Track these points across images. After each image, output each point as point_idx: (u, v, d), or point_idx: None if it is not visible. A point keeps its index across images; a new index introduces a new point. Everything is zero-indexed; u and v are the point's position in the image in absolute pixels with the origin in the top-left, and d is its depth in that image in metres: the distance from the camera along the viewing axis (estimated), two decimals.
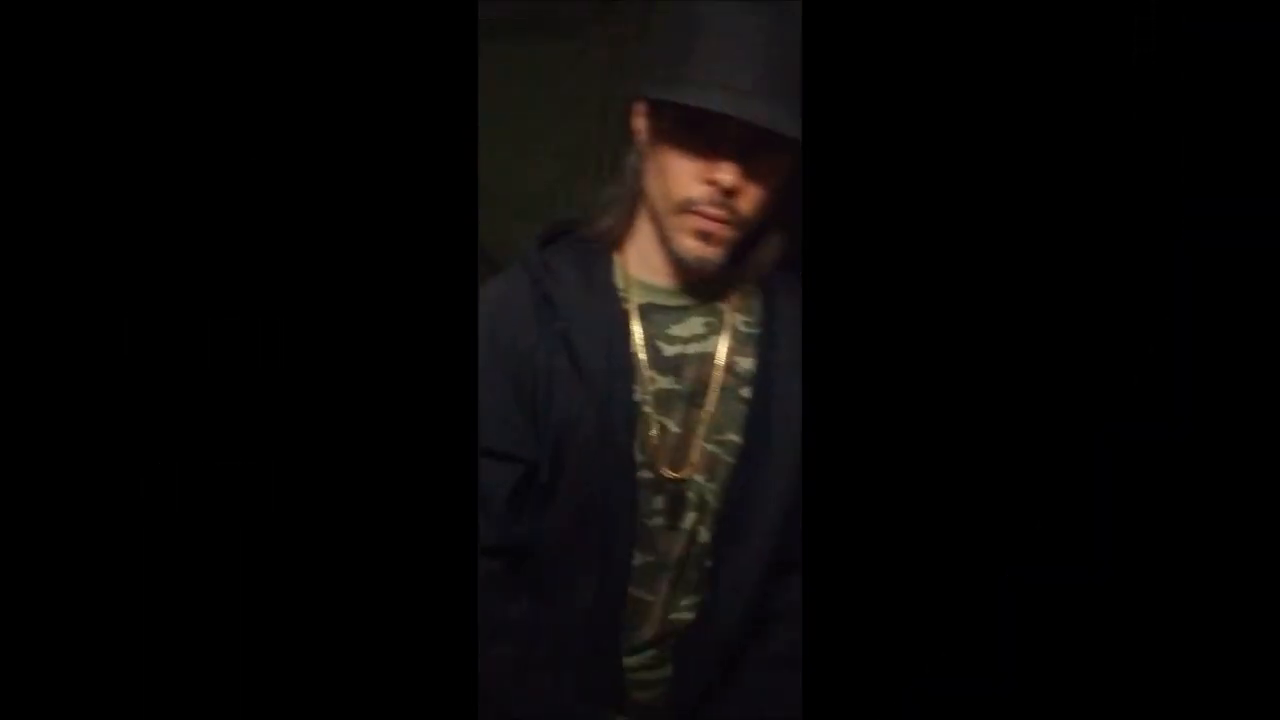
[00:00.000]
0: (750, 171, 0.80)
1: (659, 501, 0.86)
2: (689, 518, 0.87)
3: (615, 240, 0.89)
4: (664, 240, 0.85)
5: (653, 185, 0.84)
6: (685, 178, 0.80)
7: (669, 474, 0.85)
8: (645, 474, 0.85)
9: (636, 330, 0.86)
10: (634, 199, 0.87)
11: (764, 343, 0.88)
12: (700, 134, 0.79)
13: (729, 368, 0.87)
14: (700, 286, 0.88)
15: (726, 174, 0.78)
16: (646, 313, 0.87)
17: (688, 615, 0.88)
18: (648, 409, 0.85)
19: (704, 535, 0.87)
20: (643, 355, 0.86)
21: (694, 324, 0.88)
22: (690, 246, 0.82)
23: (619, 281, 0.88)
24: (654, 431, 0.85)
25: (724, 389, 0.87)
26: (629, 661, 0.88)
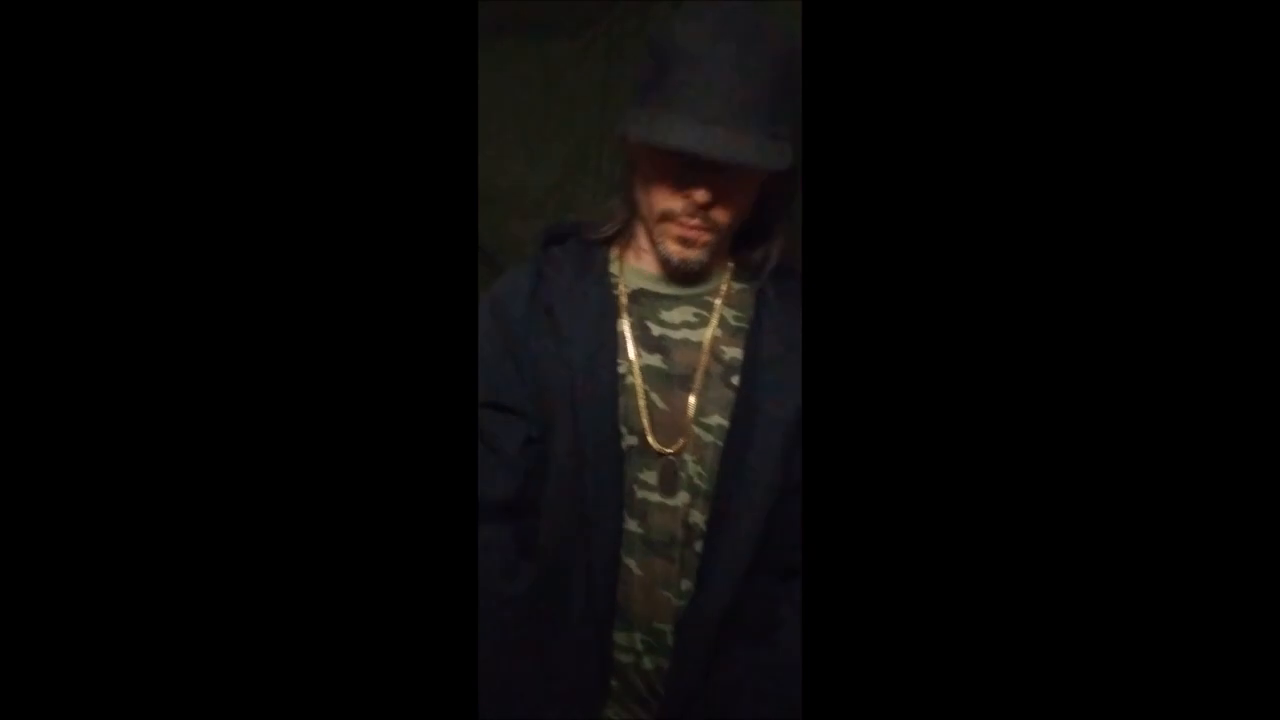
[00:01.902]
0: (724, 187, 0.87)
1: (650, 476, 0.90)
2: (681, 496, 0.90)
3: (612, 239, 0.97)
4: (652, 242, 0.93)
5: (640, 197, 0.92)
6: (665, 194, 0.89)
7: (658, 447, 0.90)
8: (632, 441, 0.90)
9: (625, 311, 0.94)
10: (629, 207, 0.96)
11: (753, 336, 0.94)
12: (674, 158, 0.86)
13: (715, 355, 0.93)
14: (691, 280, 0.95)
15: (700, 194, 0.87)
16: (637, 297, 0.94)
17: (679, 603, 0.90)
18: (633, 381, 0.91)
19: (696, 517, 0.90)
20: (629, 333, 0.92)
21: (684, 312, 0.94)
22: (673, 250, 0.91)
23: (614, 270, 0.96)
24: (641, 403, 0.90)
25: (710, 374, 0.92)
26: (617, 639, 0.90)
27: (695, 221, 0.89)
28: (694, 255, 0.91)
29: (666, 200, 0.89)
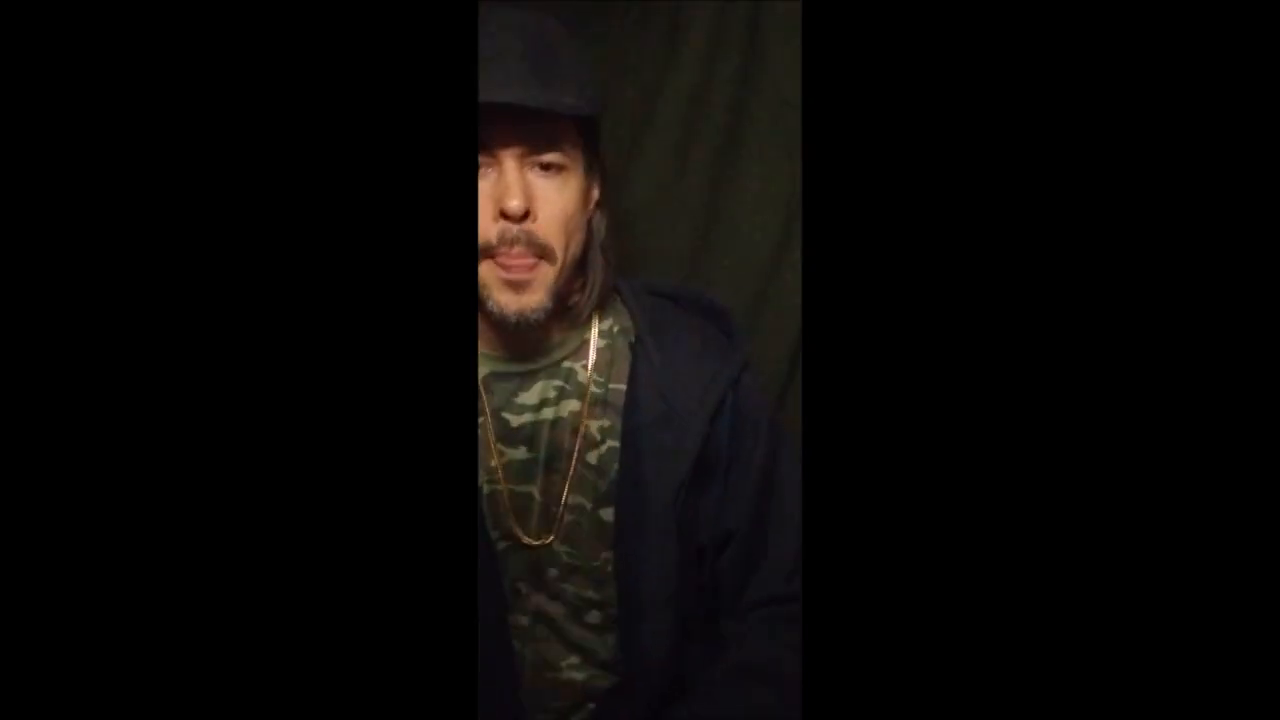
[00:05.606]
0: (543, 189, 0.76)
1: (520, 566, 0.85)
2: (550, 576, 0.85)
3: None
4: (483, 305, 0.78)
5: None
6: (482, 220, 0.75)
7: (527, 541, 0.84)
8: (503, 543, 0.84)
9: (480, 406, 0.83)
10: None
11: (629, 402, 0.84)
12: (481, 148, 0.74)
13: (583, 433, 0.84)
14: (542, 348, 0.84)
15: (512, 198, 0.74)
16: (489, 385, 0.84)
17: (599, 680, 0.87)
18: (495, 485, 0.83)
19: (570, 592, 0.85)
20: (490, 429, 0.83)
21: (542, 389, 0.84)
22: (505, 302, 0.77)
23: None
24: (506, 503, 0.83)
25: (580, 455, 0.84)
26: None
27: (518, 250, 0.75)
28: (531, 301, 0.76)
29: (484, 229, 0.75)
